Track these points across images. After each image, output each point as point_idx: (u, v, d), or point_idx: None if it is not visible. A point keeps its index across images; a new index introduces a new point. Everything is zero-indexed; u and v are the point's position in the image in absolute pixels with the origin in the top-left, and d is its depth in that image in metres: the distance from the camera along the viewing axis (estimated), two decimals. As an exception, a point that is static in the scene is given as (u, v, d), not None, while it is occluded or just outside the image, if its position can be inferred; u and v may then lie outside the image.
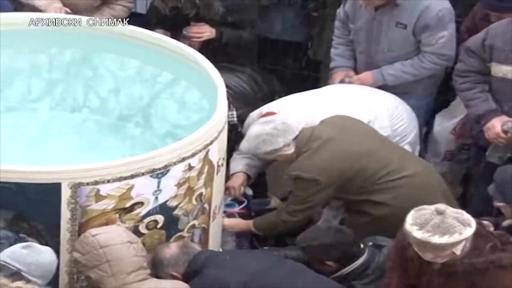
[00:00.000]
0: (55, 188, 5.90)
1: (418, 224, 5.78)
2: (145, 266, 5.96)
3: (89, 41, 7.18)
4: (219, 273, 6.16)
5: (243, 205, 7.37)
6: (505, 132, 7.27)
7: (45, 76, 7.12)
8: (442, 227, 5.75)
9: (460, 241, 5.82)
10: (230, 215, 7.32)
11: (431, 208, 5.83)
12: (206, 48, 7.25)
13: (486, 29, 7.54)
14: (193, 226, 6.42)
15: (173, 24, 7.71)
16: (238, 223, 7.25)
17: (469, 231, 5.82)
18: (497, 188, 6.26)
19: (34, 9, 7.83)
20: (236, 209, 7.35)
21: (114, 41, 7.18)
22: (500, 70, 7.38)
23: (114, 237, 5.86)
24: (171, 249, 6.21)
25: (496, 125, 7.33)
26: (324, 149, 6.89)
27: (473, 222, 5.86)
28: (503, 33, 7.40)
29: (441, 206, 5.84)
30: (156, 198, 6.13)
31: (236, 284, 6.09)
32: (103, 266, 5.79)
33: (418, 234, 5.74)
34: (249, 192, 7.46)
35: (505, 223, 6.27)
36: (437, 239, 5.72)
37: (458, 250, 5.86)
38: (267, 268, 6.25)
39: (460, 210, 5.97)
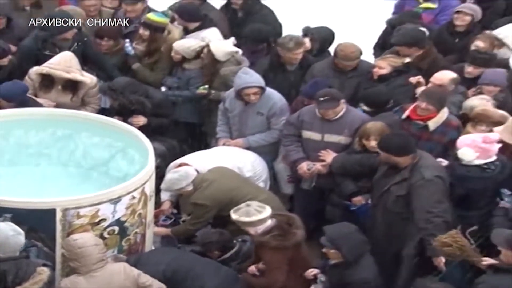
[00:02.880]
0: (52, 212, 5.92)
1: (234, 211, 6.23)
2: (104, 259, 5.85)
3: (71, 124, 7.04)
4: (145, 268, 6.03)
5: (172, 220, 7.26)
6: (308, 170, 7.39)
7: (44, 145, 6.98)
8: (247, 212, 6.15)
9: (256, 221, 6.15)
10: (164, 226, 7.20)
11: (246, 203, 6.27)
12: (142, 128, 7.18)
13: (300, 110, 7.60)
14: (136, 233, 6.38)
15: (123, 114, 7.58)
16: (162, 230, 7.15)
17: (259, 216, 6.12)
18: (328, 239, 6.09)
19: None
20: (168, 222, 7.25)
21: (86, 123, 7.05)
22: (306, 134, 7.50)
23: (86, 241, 5.81)
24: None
25: (303, 166, 7.43)
26: (210, 187, 6.92)
27: (266, 212, 6.18)
28: (309, 113, 7.46)
29: (250, 202, 6.28)
30: (113, 216, 6.13)
31: (157, 273, 6.02)
32: (79, 259, 5.76)
33: (234, 215, 6.20)
34: (175, 211, 7.36)
35: (331, 262, 6.14)
36: (243, 219, 6.13)
37: (259, 229, 6.16)
38: (176, 257, 6.29)
39: (263, 205, 6.29)
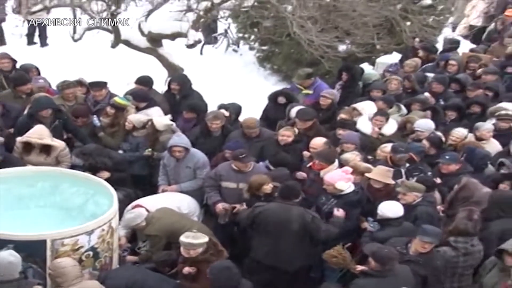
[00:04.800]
0: (44, 242, 5.95)
1: (185, 235, 6.14)
2: (80, 276, 5.77)
3: (54, 177, 7.04)
4: (111, 281, 5.98)
5: (128, 251, 7.12)
6: (225, 210, 7.37)
7: (33, 194, 6.94)
8: (195, 237, 6.11)
9: (202, 244, 6.13)
10: (123, 257, 6.95)
11: (192, 231, 6.21)
12: (107, 180, 7.16)
13: (216, 168, 7.58)
14: (105, 256, 6.35)
15: (92, 170, 7.48)
16: (133, 258, 7.03)
17: (205, 239, 6.14)
18: (209, 270, 5.84)
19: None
20: (126, 254, 7.06)
21: (66, 177, 7.08)
22: (225, 184, 7.48)
23: (67, 264, 5.81)
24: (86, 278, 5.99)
25: (219, 206, 7.38)
26: (159, 222, 6.90)
27: (206, 238, 6.16)
28: (225, 168, 7.48)
29: (194, 231, 6.24)
30: (89, 244, 6.12)
31: (121, 285, 5.98)
32: (62, 276, 5.75)
33: (184, 239, 6.10)
34: (129, 245, 7.22)
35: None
36: (192, 240, 6.08)
37: (199, 251, 6.12)
38: (135, 273, 6.26)
39: (203, 234, 6.25)
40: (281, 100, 9.31)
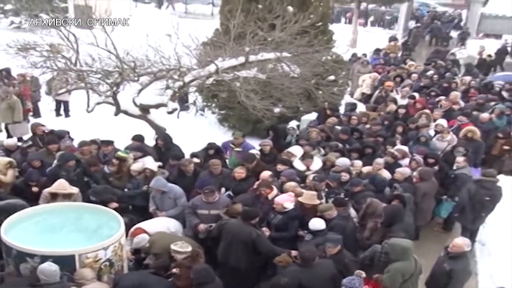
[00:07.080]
0: (73, 256, 5.91)
1: (174, 244, 6.16)
2: (94, 278, 5.75)
3: (78, 210, 6.97)
4: (123, 282, 5.85)
5: (132, 262, 6.87)
6: (206, 229, 7.20)
7: (63, 222, 6.78)
8: (180, 246, 6.12)
9: (184, 252, 6.11)
10: (129, 266, 6.65)
11: (181, 242, 6.16)
12: (115, 209, 7.05)
13: (192, 200, 7.26)
14: (118, 265, 6.27)
15: (103, 203, 7.28)
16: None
17: (188, 249, 6.09)
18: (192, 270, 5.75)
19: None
20: (131, 263, 6.80)
21: (86, 209, 6.99)
22: (199, 211, 7.29)
23: (85, 270, 5.83)
24: (104, 282, 5.93)
25: (201, 226, 7.18)
26: (159, 242, 6.67)
27: (190, 248, 6.02)
28: (198, 200, 7.15)
29: (182, 243, 6.16)
30: (106, 256, 6.08)
31: (129, 285, 5.81)
32: (82, 278, 5.77)
33: (173, 247, 6.12)
34: (133, 257, 6.97)
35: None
36: (178, 249, 6.01)
37: (182, 256, 6.11)
38: (140, 276, 6.14)
39: (188, 244, 6.16)
40: (211, 151, 9.34)
